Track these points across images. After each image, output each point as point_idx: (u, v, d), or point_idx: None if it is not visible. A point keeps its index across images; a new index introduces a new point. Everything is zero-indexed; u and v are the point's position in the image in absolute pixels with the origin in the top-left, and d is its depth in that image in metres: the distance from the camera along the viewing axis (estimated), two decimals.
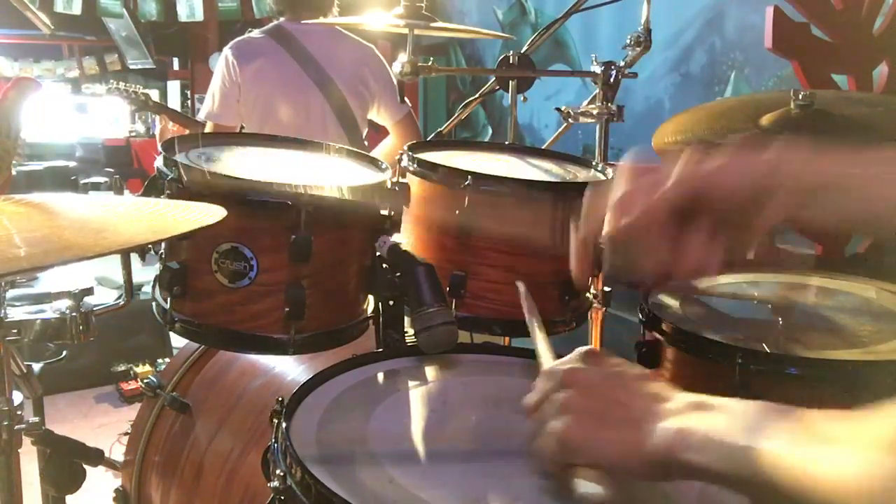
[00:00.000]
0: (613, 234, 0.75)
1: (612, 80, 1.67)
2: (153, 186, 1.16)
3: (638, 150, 0.82)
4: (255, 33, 2.70)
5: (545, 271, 1.28)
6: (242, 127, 2.62)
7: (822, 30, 2.40)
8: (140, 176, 5.60)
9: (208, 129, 2.63)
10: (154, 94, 6.60)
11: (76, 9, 5.57)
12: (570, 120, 1.74)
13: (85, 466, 1.43)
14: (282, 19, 2.70)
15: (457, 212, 1.23)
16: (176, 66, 7.35)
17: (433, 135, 1.99)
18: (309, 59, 2.61)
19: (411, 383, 1.01)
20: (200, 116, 2.72)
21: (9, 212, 0.88)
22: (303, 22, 2.65)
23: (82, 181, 5.50)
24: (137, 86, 3.49)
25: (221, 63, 2.63)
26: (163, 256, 1.17)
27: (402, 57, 1.57)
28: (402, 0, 1.57)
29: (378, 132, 2.88)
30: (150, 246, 1.13)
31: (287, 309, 1.12)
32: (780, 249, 2.59)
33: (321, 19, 2.66)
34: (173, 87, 7.24)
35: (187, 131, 3.25)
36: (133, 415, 1.57)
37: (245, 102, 2.61)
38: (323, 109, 2.61)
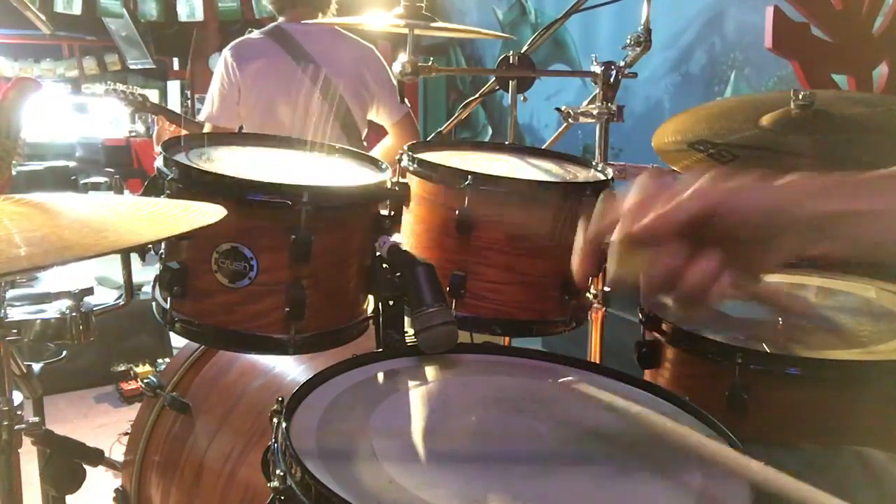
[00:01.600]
0: (623, 238, 0.74)
1: (612, 80, 1.67)
2: (153, 186, 1.16)
3: (656, 166, 0.81)
4: (255, 34, 2.70)
5: (545, 271, 1.28)
6: (241, 127, 2.62)
7: (822, 30, 2.40)
8: (140, 176, 5.61)
9: (207, 130, 2.63)
10: (154, 94, 6.62)
11: (76, 9, 5.58)
12: (570, 120, 1.74)
13: (85, 466, 1.43)
14: (281, 19, 2.70)
15: (457, 212, 1.23)
16: (176, 66, 7.35)
17: (433, 135, 1.99)
18: (308, 59, 2.61)
19: (411, 383, 1.01)
20: (200, 119, 2.72)
21: (9, 211, 0.88)
22: (302, 22, 2.65)
23: (82, 181, 5.51)
24: (135, 87, 3.49)
25: (221, 65, 2.63)
26: (163, 256, 1.17)
27: (402, 57, 1.57)
28: (402, 0, 1.57)
29: (378, 132, 2.89)
30: (150, 246, 1.13)
31: (287, 309, 1.12)
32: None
33: (321, 19, 2.66)
34: (173, 87, 7.25)
35: (184, 132, 3.25)
36: (133, 415, 1.57)
37: (245, 103, 2.61)
38: (322, 110, 2.61)
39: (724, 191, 0.72)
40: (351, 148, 1.40)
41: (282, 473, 0.77)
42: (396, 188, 1.25)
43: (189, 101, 7.02)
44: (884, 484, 0.95)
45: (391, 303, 1.19)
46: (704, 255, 0.72)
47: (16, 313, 1.41)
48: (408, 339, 1.16)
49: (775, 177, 0.74)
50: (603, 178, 1.38)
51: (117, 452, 1.66)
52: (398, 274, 1.17)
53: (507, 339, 1.56)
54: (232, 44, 2.66)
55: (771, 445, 1.01)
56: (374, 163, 1.34)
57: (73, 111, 6.87)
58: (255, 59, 2.60)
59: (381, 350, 1.16)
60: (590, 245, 0.78)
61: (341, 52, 2.66)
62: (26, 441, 1.36)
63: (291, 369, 1.36)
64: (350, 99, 2.65)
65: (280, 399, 0.87)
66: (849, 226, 0.72)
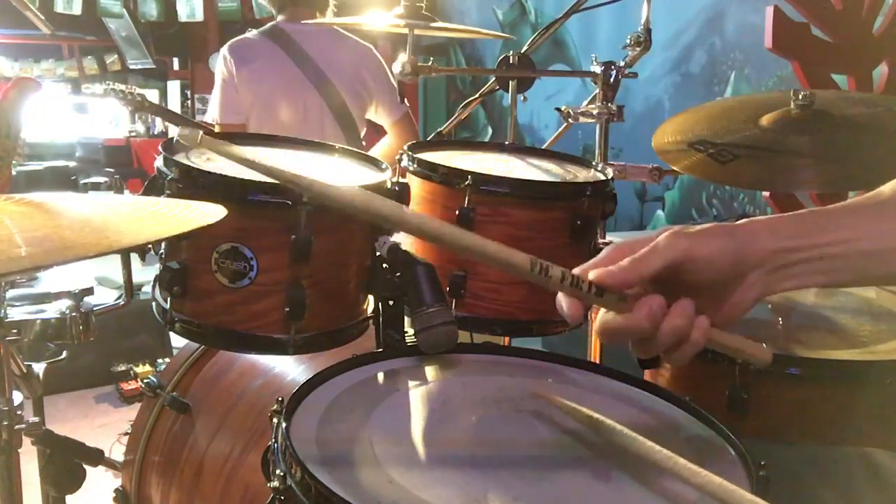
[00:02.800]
0: (597, 285, 0.75)
1: (612, 80, 1.67)
2: (153, 186, 1.16)
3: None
4: (252, 34, 2.70)
5: None
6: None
7: (822, 30, 2.40)
8: (140, 176, 5.61)
9: (217, 131, 2.63)
10: (154, 94, 6.63)
11: (76, 9, 5.58)
12: (570, 120, 1.74)
13: (85, 466, 1.43)
14: (279, 19, 2.70)
15: (457, 212, 1.23)
16: (176, 66, 7.35)
17: (433, 135, 1.99)
18: (306, 59, 2.61)
19: (411, 383, 1.01)
20: (207, 118, 2.72)
21: (9, 211, 0.88)
22: (301, 22, 2.65)
23: (82, 181, 5.51)
24: (134, 87, 3.49)
25: (220, 64, 2.63)
26: (163, 256, 1.17)
27: (402, 57, 1.57)
28: (402, 0, 1.58)
29: (378, 132, 2.89)
30: (150, 246, 1.13)
31: (287, 309, 1.12)
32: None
33: (319, 19, 2.66)
34: (173, 87, 7.25)
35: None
36: (133, 415, 1.57)
37: (243, 102, 2.61)
38: (321, 110, 2.61)
39: (685, 242, 0.74)
40: (351, 148, 1.40)
41: (282, 473, 0.77)
42: (396, 188, 1.25)
43: (189, 101, 7.02)
44: (887, 482, 0.95)
45: (391, 303, 1.19)
46: (679, 303, 0.74)
47: (16, 313, 1.41)
48: (408, 339, 1.16)
49: (730, 223, 0.76)
50: (603, 178, 1.38)
51: (117, 452, 1.66)
52: (398, 274, 1.17)
53: (507, 339, 1.56)
54: (229, 43, 2.66)
55: (772, 444, 1.01)
56: (374, 163, 1.34)
57: (73, 111, 6.87)
58: (253, 59, 2.60)
59: (381, 350, 1.16)
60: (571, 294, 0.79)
61: (340, 52, 2.66)
62: (26, 441, 1.36)
63: (291, 369, 1.36)
64: (349, 99, 2.65)
65: (280, 399, 0.87)
66: (808, 260, 0.75)
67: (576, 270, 0.76)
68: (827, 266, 0.75)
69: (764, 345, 1.18)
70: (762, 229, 0.75)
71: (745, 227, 0.76)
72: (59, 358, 1.69)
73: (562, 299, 0.78)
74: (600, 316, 0.77)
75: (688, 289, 0.75)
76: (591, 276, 0.75)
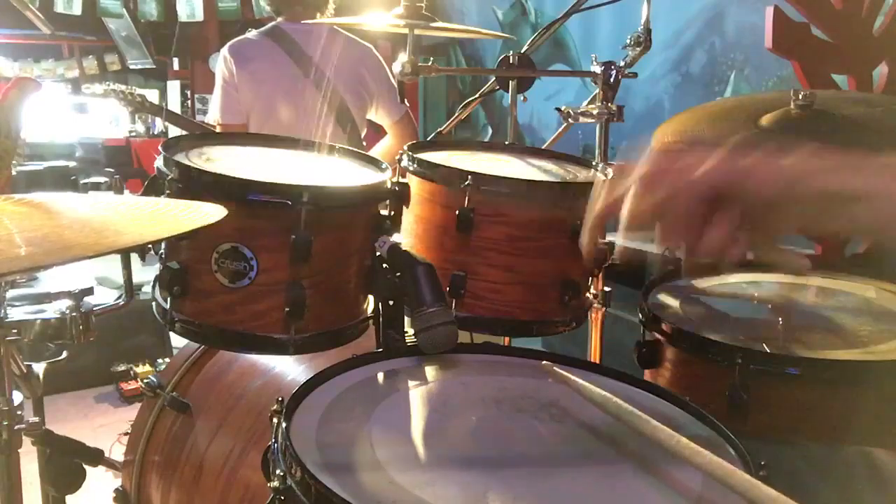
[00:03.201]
0: (636, 211, 0.75)
1: (612, 80, 1.67)
2: (153, 186, 1.16)
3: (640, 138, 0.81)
4: (252, 34, 2.70)
5: (545, 271, 1.28)
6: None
7: (822, 30, 2.40)
8: (140, 176, 5.60)
9: (219, 131, 2.63)
10: (154, 94, 6.62)
11: (76, 9, 5.58)
12: (570, 120, 1.74)
13: (85, 466, 1.43)
14: (280, 19, 2.70)
15: (457, 212, 1.23)
16: (176, 66, 7.35)
17: (433, 135, 1.99)
18: (306, 59, 2.61)
19: (411, 383, 1.01)
20: (208, 119, 2.72)
21: (9, 211, 0.88)
22: (301, 22, 2.64)
23: (82, 181, 5.50)
24: (133, 87, 3.49)
25: (220, 64, 2.63)
26: (163, 256, 1.17)
27: (402, 57, 1.57)
28: (402, 0, 1.57)
29: (378, 132, 2.89)
30: (150, 246, 1.13)
31: (287, 309, 1.12)
32: (781, 250, 2.59)
33: (319, 19, 2.66)
34: (173, 87, 7.25)
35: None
36: (133, 415, 1.57)
37: (243, 102, 2.61)
38: (321, 109, 2.61)
39: (739, 167, 0.74)
40: (351, 148, 1.40)
41: (282, 473, 0.77)
42: (396, 188, 1.25)
43: (189, 101, 7.01)
44: (887, 482, 0.95)
45: (391, 303, 1.19)
46: (720, 218, 0.74)
47: (16, 313, 1.41)
48: (408, 339, 1.16)
49: (787, 151, 0.75)
50: (603, 178, 1.38)
51: (117, 452, 1.66)
52: (398, 274, 1.17)
53: (507, 339, 1.56)
54: (229, 43, 2.66)
55: (772, 444, 1.01)
56: (374, 163, 1.34)
57: (73, 111, 6.86)
58: (253, 59, 2.60)
59: (381, 350, 1.16)
60: (598, 219, 0.79)
61: (340, 52, 2.65)
62: (26, 441, 1.36)
63: (291, 369, 1.36)
64: (349, 99, 2.65)
65: (280, 399, 0.87)
66: (850, 205, 0.74)
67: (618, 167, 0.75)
68: (860, 214, 0.74)
69: (764, 345, 1.18)
70: (812, 170, 0.75)
71: (797, 165, 0.75)
72: (59, 358, 1.69)
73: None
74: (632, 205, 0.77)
75: (730, 203, 0.75)
76: (629, 209, 0.75)
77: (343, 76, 2.64)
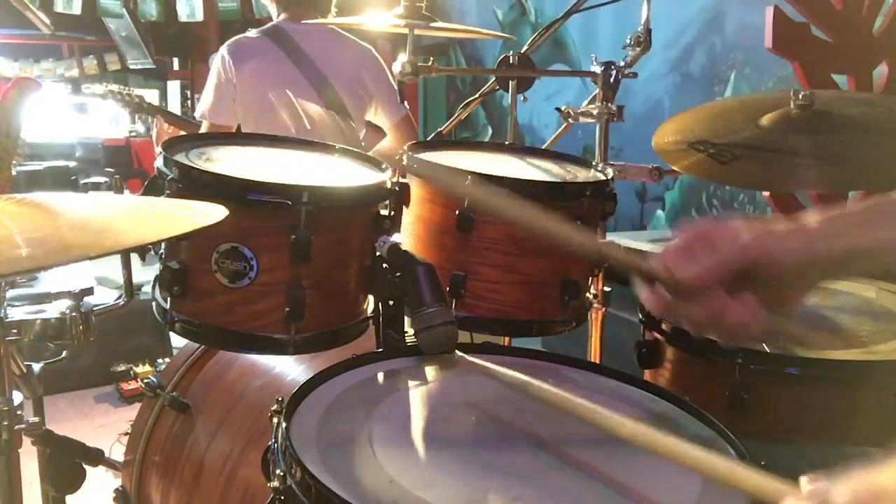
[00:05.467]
0: (670, 284, 0.80)
1: (612, 80, 1.67)
2: (153, 186, 1.16)
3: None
4: (252, 33, 2.69)
5: (545, 271, 1.28)
6: (239, 127, 2.61)
7: (822, 30, 2.40)
8: (140, 176, 5.61)
9: (203, 127, 2.61)
10: (154, 94, 6.62)
11: (76, 9, 5.57)
12: (570, 120, 1.74)
13: (85, 466, 1.43)
14: (280, 19, 2.69)
15: (457, 212, 1.22)
16: (176, 66, 7.35)
17: (433, 135, 1.98)
18: (306, 59, 2.60)
19: (411, 383, 1.01)
20: (197, 114, 2.70)
21: (10, 212, 0.88)
22: (302, 22, 2.64)
23: (82, 181, 5.50)
24: (131, 88, 3.48)
25: (217, 62, 2.61)
26: (163, 256, 1.17)
27: (402, 57, 1.57)
28: (402, 0, 1.57)
29: (378, 133, 2.88)
30: (150, 246, 1.13)
31: (287, 309, 1.12)
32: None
33: (319, 19, 2.65)
34: (173, 87, 7.25)
35: (182, 133, 3.23)
36: (133, 415, 1.57)
37: (241, 102, 2.59)
38: (320, 110, 2.60)
39: (762, 244, 0.78)
40: (351, 148, 1.40)
41: (282, 473, 0.77)
42: (396, 188, 1.25)
43: (189, 102, 7.01)
44: None
45: (391, 303, 1.19)
46: (743, 298, 0.78)
47: (16, 313, 1.41)
48: (408, 339, 1.16)
49: (802, 220, 0.80)
50: (603, 178, 1.38)
51: (117, 452, 1.66)
52: (398, 274, 1.17)
53: (507, 339, 1.56)
54: (229, 42, 2.65)
55: (772, 444, 1.01)
56: (374, 163, 1.34)
57: (73, 111, 6.86)
58: (252, 58, 2.59)
59: (381, 350, 1.16)
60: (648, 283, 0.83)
61: (340, 53, 2.65)
62: (26, 441, 1.36)
63: (291, 369, 1.36)
64: (348, 100, 2.64)
65: (280, 399, 0.87)
66: (872, 255, 0.79)
67: (648, 251, 0.80)
68: (883, 259, 0.79)
69: (764, 345, 1.18)
70: (831, 231, 0.79)
71: (816, 229, 0.80)
72: (59, 358, 1.70)
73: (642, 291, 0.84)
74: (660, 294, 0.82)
75: (752, 281, 0.79)
76: (673, 269, 0.79)
77: (342, 77, 2.63)
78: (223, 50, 2.61)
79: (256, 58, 2.59)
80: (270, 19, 2.79)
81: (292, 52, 2.60)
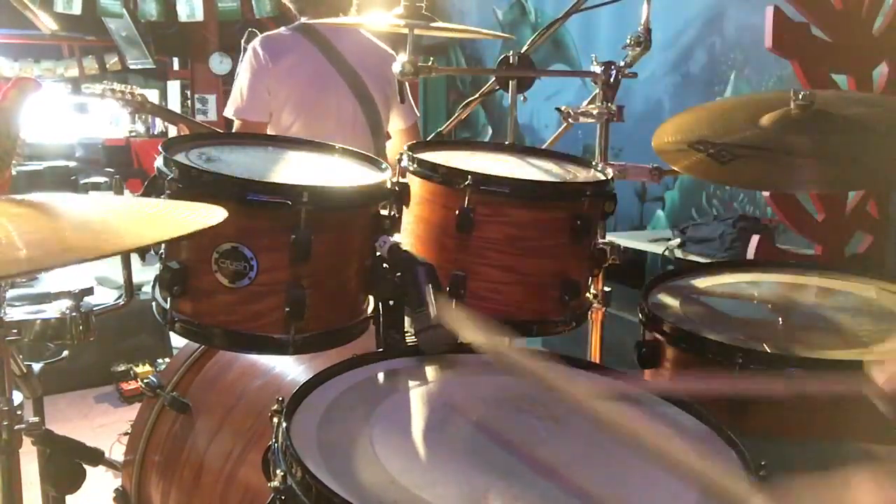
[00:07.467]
0: None
1: (612, 80, 1.67)
2: (153, 186, 1.16)
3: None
4: (283, 30, 2.64)
5: (545, 271, 1.28)
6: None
7: (822, 30, 2.40)
8: (140, 176, 5.61)
9: (237, 126, 2.56)
10: (154, 94, 6.62)
11: (76, 9, 5.57)
12: (570, 120, 1.74)
13: (85, 466, 1.43)
14: (302, 19, 2.66)
15: (457, 212, 1.22)
16: (176, 66, 7.35)
17: (433, 135, 1.98)
18: (339, 57, 2.57)
19: (411, 383, 1.01)
20: (227, 113, 2.62)
21: (9, 213, 0.88)
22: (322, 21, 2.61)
23: (82, 181, 5.50)
24: (133, 87, 3.46)
25: (250, 57, 2.53)
26: (163, 256, 1.17)
27: (402, 57, 1.57)
28: (402, 0, 1.57)
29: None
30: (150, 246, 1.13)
31: (287, 309, 1.12)
32: (781, 250, 2.59)
33: (337, 18, 2.63)
34: (173, 87, 7.25)
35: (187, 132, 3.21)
36: (133, 415, 1.57)
37: (276, 97, 2.52)
38: (353, 107, 2.57)
39: None
40: (351, 148, 1.40)
41: (282, 473, 0.77)
42: (396, 188, 1.25)
43: (189, 101, 7.01)
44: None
45: (391, 303, 1.19)
46: None
47: (16, 313, 1.41)
48: (408, 339, 1.16)
49: None
50: (603, 178, 1.38)
51: (117, 452, 1.66)
52: (398, 274, 1.17)
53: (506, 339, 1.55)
54: (260, 37, 2.59)
55: (772, 444, 1.01)
56: (374, 163, 1.34)
57: (73, 111, 6.87)
58: (287, 53, 2.53)
59: (381, 350, 1.16)
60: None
61: (369, 53, 2.63)
62: (26, 441, 1.36)
63: (291, 369, 1.36)
64: (377, 98, 2.62)
65: (280, 399, 0.87)
66: None
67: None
68: None
69: (764, 345, 1.18)
70: None
71: None
72: (59, 358, 1.70)
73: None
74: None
75: None
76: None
77: (372, 76, 2.60)
78: (256, 45, 2.55)
79: (291, 53, 2.54)
80: (271, 19, 2.76)
81: (326, 49, 2.57)
